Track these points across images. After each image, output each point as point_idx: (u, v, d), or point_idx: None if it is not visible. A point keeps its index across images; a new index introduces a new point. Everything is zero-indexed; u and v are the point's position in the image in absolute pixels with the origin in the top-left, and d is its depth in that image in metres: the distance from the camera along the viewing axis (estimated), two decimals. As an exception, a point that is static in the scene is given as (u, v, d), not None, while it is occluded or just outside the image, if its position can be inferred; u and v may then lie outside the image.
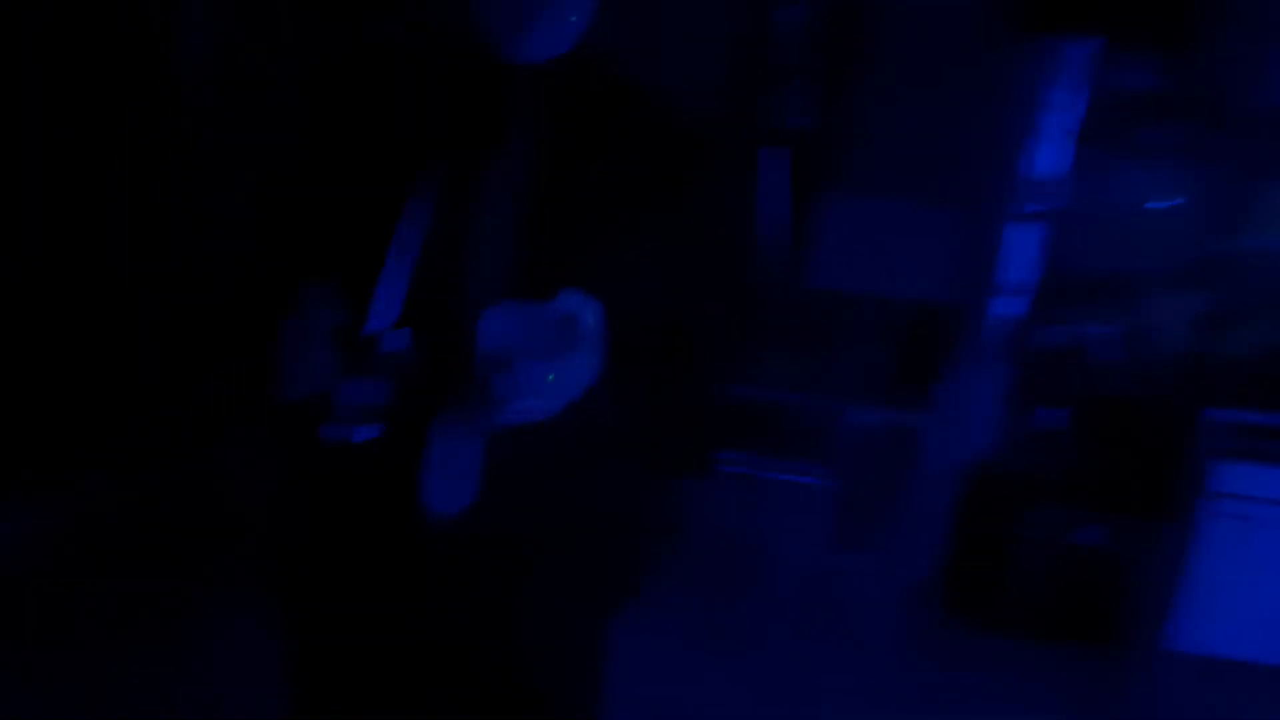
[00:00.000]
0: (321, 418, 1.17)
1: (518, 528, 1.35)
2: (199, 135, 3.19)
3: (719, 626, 3.27)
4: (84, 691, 2.61)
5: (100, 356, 3.21)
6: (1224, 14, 3.79)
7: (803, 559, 3.62)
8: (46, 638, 2.74)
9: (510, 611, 1.41)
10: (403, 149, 1.26)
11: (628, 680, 1.55)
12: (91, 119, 2.92)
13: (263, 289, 1.38)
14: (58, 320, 3.04)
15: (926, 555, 3.79)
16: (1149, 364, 3.91)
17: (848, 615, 3.58)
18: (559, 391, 1.16)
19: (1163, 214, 4.08)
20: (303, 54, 3.16)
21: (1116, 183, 4.09)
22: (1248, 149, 4.00)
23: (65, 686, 2.61)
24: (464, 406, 1.22)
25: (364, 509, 1.36)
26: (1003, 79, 3.86)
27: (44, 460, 3.06)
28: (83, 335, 3.15)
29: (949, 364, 3.88)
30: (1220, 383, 3.85)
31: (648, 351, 1.30)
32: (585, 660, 1.52)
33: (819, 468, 3.62)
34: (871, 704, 3.16)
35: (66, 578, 2.92)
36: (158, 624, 2.90)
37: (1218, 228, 4.10)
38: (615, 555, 1.50)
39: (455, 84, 1.28)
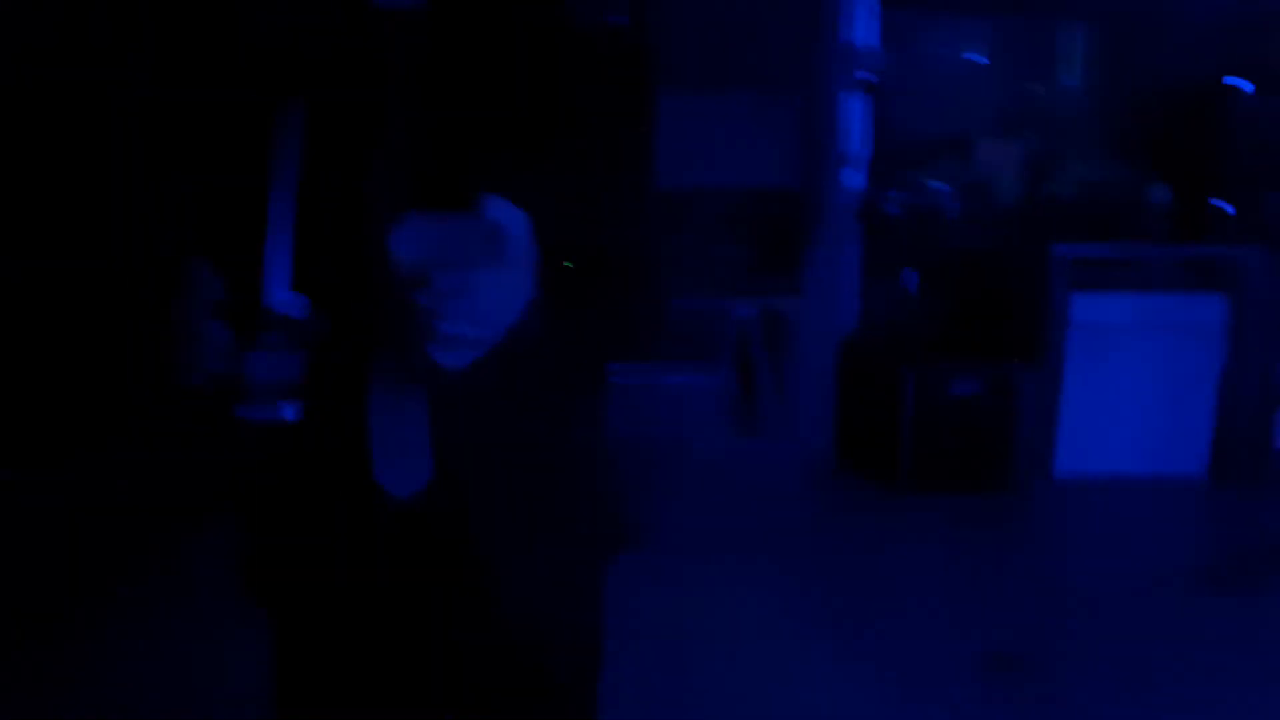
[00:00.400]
0: (233, 399, 1.06)
1: (484, 485, 1.23)
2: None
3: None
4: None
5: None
6: None
7: (706, 452, 3.64)
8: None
9: (498, 577, 1.26)
10: (268, 105, 1.14)
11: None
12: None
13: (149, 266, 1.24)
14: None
15: (818, 428, 3.86)
16: (989, 214, 4.05)
17: (755, 493, 3.64)
18: (494, 312, 1.04)
19: (978, 69, 4.22)
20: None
21: (931, 44, 4.20)
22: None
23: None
24: (395, 348, 1.10)
25: (312, 495, 1.22)
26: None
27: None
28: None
29: (808, 245, 3.92)
30: (1052, 222, 4.02)
31: (579, 269, 1.19)
32: (584, 614, 1.43)
33: (707, 365, 3.63)
34: (785, 569, 3.23)
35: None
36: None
37: (1028, 75, 4.28)
38: (592, 493, 1.40)
39: (324, 30, 1.18)
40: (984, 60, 4.21)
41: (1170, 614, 3.04)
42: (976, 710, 2.54)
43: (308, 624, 1.32)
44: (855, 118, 4.01)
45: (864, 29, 3.99)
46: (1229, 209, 3.98)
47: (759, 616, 2.99)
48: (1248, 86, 3.89)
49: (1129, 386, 3.85)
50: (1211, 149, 4.00)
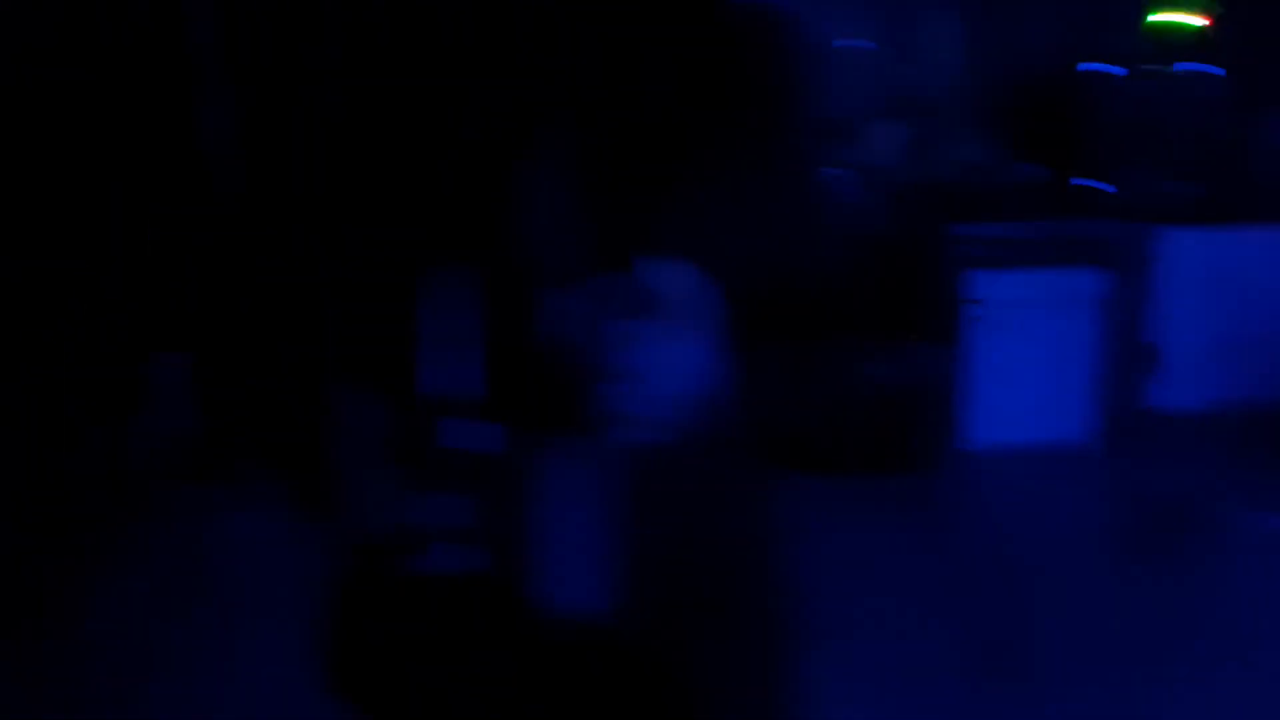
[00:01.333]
0: (401, 551, 0.90)
1: (678, 597, 1.02)
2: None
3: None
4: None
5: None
6: None
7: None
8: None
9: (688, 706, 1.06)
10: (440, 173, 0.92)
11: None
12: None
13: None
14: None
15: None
16: (884, 197, 4.09)
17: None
18: (672, 390, 0.87)
19: (861, 55, 4.25)
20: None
21: (814, 29, 4.21)
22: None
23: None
24: (567, 439, 0.93)
25: (469, 634, 1.00)
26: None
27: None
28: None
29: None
30: (945, 203, 4.10)
31: (779, 326, 1.01)
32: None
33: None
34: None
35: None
36: None
37: (907, 60, 4.35)
38: (786, 594, 1.20)
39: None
40: (869, 45, 4.26)
41: (1113, 583, 3.16)
42: (976, 707, 2.55)
43: None
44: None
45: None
46: (1106, 187, 4.15)
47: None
48: (1120, 69, 4.06)
49: (1020, 360, 3.99)
50: (1088, 130, 4.16)
